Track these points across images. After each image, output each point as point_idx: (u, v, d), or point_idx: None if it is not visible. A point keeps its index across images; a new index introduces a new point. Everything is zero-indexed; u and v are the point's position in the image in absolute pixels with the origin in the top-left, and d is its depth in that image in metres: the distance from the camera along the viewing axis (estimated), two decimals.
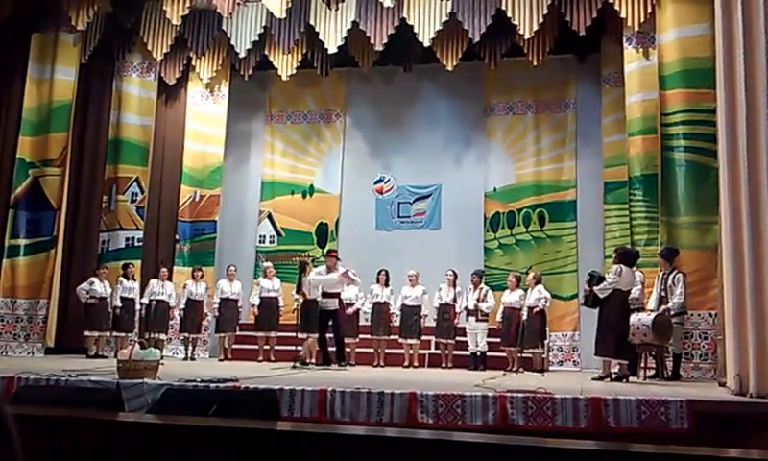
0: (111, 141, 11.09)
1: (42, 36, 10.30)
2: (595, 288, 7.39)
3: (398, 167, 11.92)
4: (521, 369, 9.13)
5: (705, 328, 8.02)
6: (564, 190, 11.12)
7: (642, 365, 7.77)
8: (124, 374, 5.82)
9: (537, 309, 9.21)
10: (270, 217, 12.13)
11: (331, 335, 9.05)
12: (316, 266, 10.52)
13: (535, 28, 9.28)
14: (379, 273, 10.09)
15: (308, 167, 12.19)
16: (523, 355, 9.36)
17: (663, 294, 7.91)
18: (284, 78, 11.03)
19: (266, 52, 10.88)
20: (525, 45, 9.98)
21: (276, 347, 10.02)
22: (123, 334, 9.89)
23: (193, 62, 11.24)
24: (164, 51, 10.55)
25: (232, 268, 10.50)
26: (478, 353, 9.50)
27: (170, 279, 10.55)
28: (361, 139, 12.18)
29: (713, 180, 7.26)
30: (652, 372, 7.82)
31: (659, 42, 8.88)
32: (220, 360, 10.05)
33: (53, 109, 10.20)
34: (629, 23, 9.00)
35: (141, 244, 10.99)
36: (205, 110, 11.78)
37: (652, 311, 7.75)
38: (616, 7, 8.96)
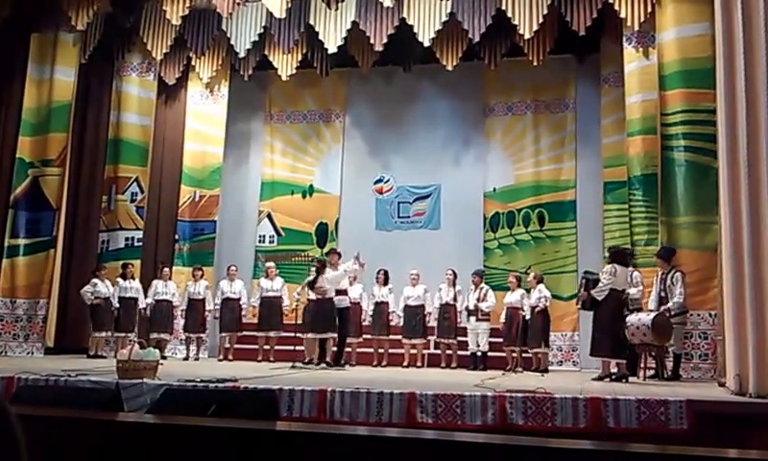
0: (111, 141, 11.09)
1: (42, 37, 10.30)
2: (593, 292, 7.39)
3: (398, 167, 11.92)
4: (520, 369, 9.13)
5: (704, 328, 8.02)
6: (564, 190, 11.12)
7: (642, 365, 7.76)
8: (123, 374, 5.82)
9: (538, 309, 9.22)
10: (269, 217, 12.13)
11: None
12: (314, 266, 10.54)
13: (535, 28, 9.27)
14: (378, 273, 10.10)
15: (308, 167, 12.19)
16: (525, 355, 9.37)
17: (663, 294, 7.91)
18: (284, 78, 11.02)
19: (266, 52, 10.87)
20: (525, 45, 9.98)
21: (276, 347, 10.02)
22: (122, 334, 9.89)
23: (193, 62, 11.24)
24: (164, 51, 10.55)
25: (233, 268, 10.50)
26: (478, 353, 9.51)
27: (171, 279, 10.54)
28: (361, 139, 12.18)
29: (713, 180, 7.25)
30: (652, 372, 7.81)
31: (658, 42, 8.88)
32: (219, 360, 10.05)
33: (52, 109, 10.19)
34: (629, 23, 8.99)
35: (141, 244, 10.99)
36: (205, 110, 11.78)
37: (651, 311, 7.75)
38: (616, 7, 8.96)
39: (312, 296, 9.84)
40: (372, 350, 10.01)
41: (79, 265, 10.53)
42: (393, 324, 10.07)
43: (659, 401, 5.04)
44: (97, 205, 10.94)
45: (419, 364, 9.80)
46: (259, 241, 12.06)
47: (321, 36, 10.13)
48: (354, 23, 9.88)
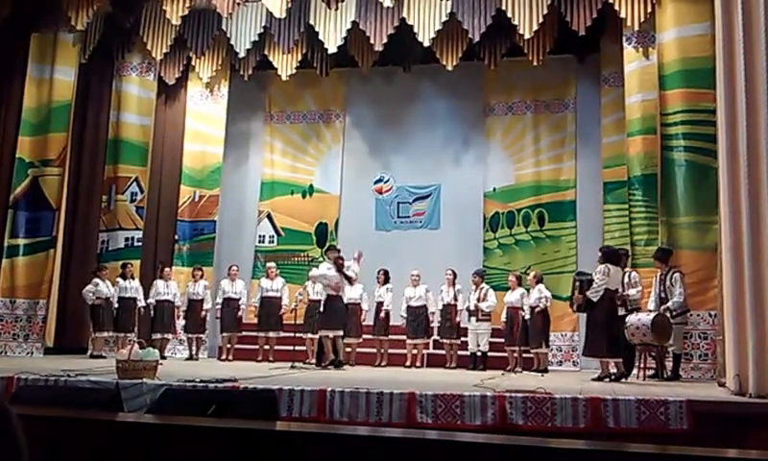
0: (111, 141, 11.09)
1: (42, 37, 10.30)
2: (588, 293, 7.38)
3: (398, 167, 11.92)
4: (520, 369, 9.13)
5: (704, 329, 8.01)
6: (564, 190, 11.12)
7: (642, 365, 7.77)
8: (123, 374, 5.82)
9: (538, 309, 9.21)
10: (269, 217, 12.12)
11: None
12: (314, 266, 10.53)
13: (535, 28, 9.27)
14: (378, 272, 10.10)
15: (308, 167, 12.19)
16: (525, 355, 9.37)
17: (663, 294, 7.91)
18: (284, 78, 11.02)
19: (266, 52, 10.87)
20: (525, 45, 9.98)
21: (276, 347, 10.02)
22: (122, 334, 9.89)
23: (193, 62, 11.24)
24: (164, 51, 10.54)
25: (234, 268, 10.50)
26: (478, 353, 9.51)
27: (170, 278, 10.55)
28: (360, 139, 12.18)
29: (713, 180, 7.25)
30: (651, 372, 7.81)
31: (658, 42, 8.87)
32: (220, 360, 10.05)
33: (52, 109, 10.19)
34: (629, 23, 8.99)
35: (140, 244, 10.99)
36: (205, 110, 11.77)
37: (651, 311, 7.75)
38: (616, 7, 8.95)
39: (313, 296, 9.86)
40: (373, 350, 10.01)
41: (78, 265, 10.53)
42: (391, 323, 10.06)
43: (658, 402, 5.04)
44: (97, 205, 10.94)
45: (417, 364, 9.80)
46: (259, 241, 12.06)
47: (321, 36, 10.13)
48: (354, 23, 9.88)
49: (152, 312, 10.18)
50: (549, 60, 10.44)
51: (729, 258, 5.81)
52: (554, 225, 11.06)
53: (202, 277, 10.40)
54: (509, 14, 9.24)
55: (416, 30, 9.66)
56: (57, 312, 10.21)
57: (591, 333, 7.45)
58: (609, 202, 10.09)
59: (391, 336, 10.02)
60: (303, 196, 12.12)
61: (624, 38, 9.42)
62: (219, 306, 10.20)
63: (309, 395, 5.31)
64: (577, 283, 7.75)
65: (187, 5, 9.67)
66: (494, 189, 11.41)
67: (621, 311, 7.82)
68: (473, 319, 9.59)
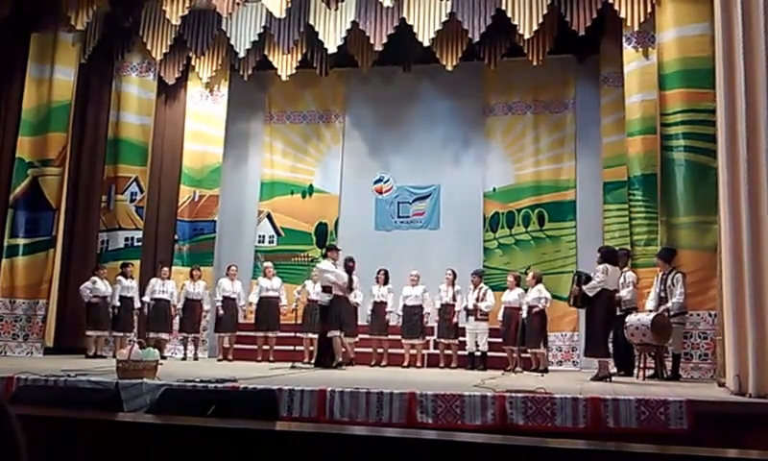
0: (111, 141, 11.09)
1: (42, 36, 10.30)
2: (584, 287, 7.39)
3: (398, 167, 11.92)
4: (520, 369, 9.13)
5: (704, 329, 8.01)
6: (564, 190, 11.12)
7: (642, 365, 7.77)
8: (123, 374, 5.82)
9: (536, 309, 9.20)
10: (269, 217, 12.12)
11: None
12: (314, 266, 10.52)
13: (534, 28, 9.27)
14: (378, 272, 10.09)
15: (308, 167, 12.19)
16: (524, 355, 9.37)
17: (663, 294, 7.91)
18: (284, 78, 11.02)
19: (265, 52, 10.87)
20: (525, 45, 9.98)
21: (276, 347, 10.02)
22: (121, 334, 9.89)
23: (192, 62, 11.24)
24: (164, 51, 10.55)
25: (233, 267, 10.50)
26: (478, 353, 9.51)
27: (170, 278, 10.54)
28: (360, 139, 12.18)
29: (713, 179, 7.25)
30: (651, 372, 7.81)
31: (658, 42, 8.87)
32: (219, 360, 10.05)
33: (52, 109, 10.19)
34: (628, 23, 9.00)
35: (140, 244, 10.98)
36: (205, 110, 11.77)
37: (651, 311, 7.75)
38: (616, 7, 8.96)
39: (313, 296, 9.86)
40: (371, 350, 10.00)
41: (78, 265, 10.53)
42: (391, 324, 10.06)
43: (658, 402, 5.04)
44: (96, 204, 10.93)
45: (418, 364, 9.80)
46: (259, 241, 12.06)
47: (320, 36, 10.13)
48: (354, 23, 9.88)
49: (146, 311, 10.15)
50: (549, 61, 10.44)
51: (728, 258, 5.81)
52: (554, 225, 11.07)
53: (200, 277, 10.39)
54: (509, 14, 9.24)
55: (415, 30, 9.66)
56: (56, 312, 10.21)
57: (590, 333, 7.46)
58: (609, 202, 10.09)
59: (390, 336, 10.00)
60: (303, 196, 12.12)
61: (624, 38, 9.42)
62: (219, 303, 10.17)
63: (309, 395, 5.31)
64: (575, 277, 7.78)
65: (187, 5, 9.67)
66: (494, 189, 11.41)
67: (617, 312, 7.85)
68: (472, 318, 9.59)
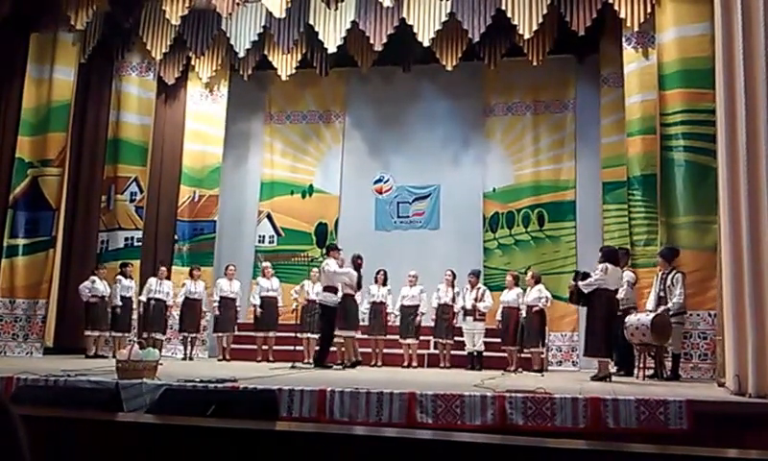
0: (110, 141, 11.08)
1: (41, 36, 10.29)
2: (580, 283, 7.40)
3: (398, 167, 11.92)
4: (520, 369, 9.13)
5: (704, 329, 8.02)
6: (564, 190, 11.12)
7: (641, 365, 7.77)
8: (123, 374, 5.82)
9: (536, 308, 9.20)
10: (269, 217, 12.12)
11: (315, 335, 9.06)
12: (314, 266, 10.54)
13: (534, 28, 9.27)
14: (377, 273, 10.09)
15: (308, 167, 12.19)
16: (523, 355, 9.37)
17: (662, 294, 7.91)
18: (284, 78, 11.02)
19: (265, 52, 10.87)
20: (525, 45, 9.99)
21: (275, 347, 10.01)
22: (121, 334, 9.88)
23: (192, 62, 11.24)
24: (163, 51, 10.55)
25: (231, 267, 10.49)
26: (475, 353, 9.51)
27: (168, 278, 10.54)
28: (360, 139, 12.18)
29: (712, 180, 7.25)
30: (651, 372, 7.81)
31: (658, 42, 8.88)
32: (219, 360, 10.04)
33: (52, 109, 10.19)
34: (628, 23, 9.00)
35: (140, 244, 10.98)
36: (205, 110, 11.77)
37: (651, 311, 7.75)
38: (616, 7, 8.96)
39: (312, 296, 9.86)
40: (370, 350, 9.99)
41: (78, 265, 10.52)
42: (390, 323, 10.06)
43: (658, 402, 5.04)
44: (96, 204, 10.93)
45: (414, 364, 9.77)
46: (259, 241, 12.06)
47: (320, 36, 10.12)
48: (354, 23, 9.88)
49: (141, 310, 10.14)
50: (549, 61, 10.44)
51: (728, 258, 5.81)
52: (553, 225, 11.07)
53: (200, 276, 10.39)
54: (509, 14, 9.25)
55: (415, 30, 9.66)
56: (56, 312, 10.20)
57: (590, 333, 7.46)
58: (608, 202, 10.09)
59: (389, 336, 10.00)
60: (303, 196, 12.12)
61: (624, 39, 9.43)
62: (217, 304, 10.18)
63: (309, 395, 5.31)
64: (574, 274, 7.80)
65: (187, 5, 9.67)
66: (494, 189, 11.41)
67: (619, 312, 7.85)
68: (470, 318, 9.59)
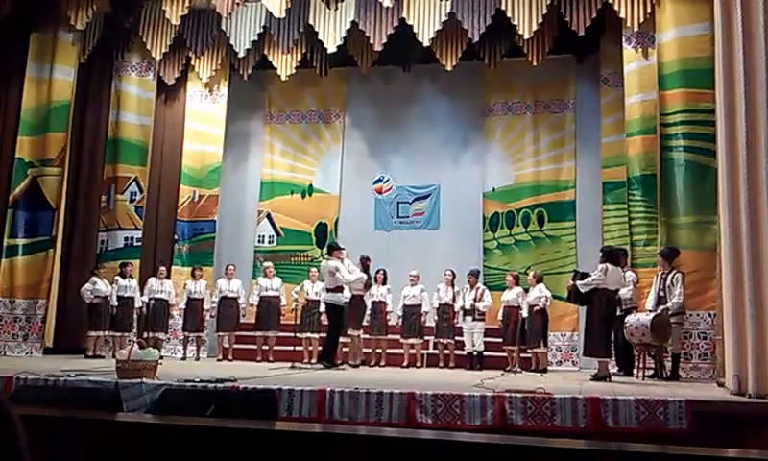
0: (110, 141, 11.09)
1: (41, 36, 10.29)
2: (578, 283, 7.40)
3: (397, 167, 11.92)
4: (519, 369, 9.13)
5: (703, 329, 8.02)
6: (563, 190, 11.12)
7: (641, 365, 7.77)
8: (123, 374, 5.81)
9: (537, 308, 9.20)
10: (269, 217, 12.12)
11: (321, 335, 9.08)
12: (313, 266, 10.55)
13: (534, 28, 9.28)
14: (377, 272, 10.09)
15: (307, 167, 12.19)
16: (523, 355, 9.37)
17: (662, 294, 7.91)
18: (283, 78, 11.02)
19: (265, 52, 10.87)
20: (525, 45, 9.99)
21: (275, 347, 10.01)
22: (120, 334, 9.88)
23: (192, 62, 11.23)
24: (163, 51, 10.55)
25: (231, 267, 10.49)
26: (475, 353, 9.51)
27: (168, 277, 10.54)
28: (360, 139, 12.18)
29: (712, 180, 7.25)
30: (651, 372, 7.82)
31: (658, 42, 8.88)
32: (219, 360, 10.04)
33: (51, 109, 10.19)
34: (628, 23, 9.01)
35: (140, 244, 10.98)
36: (204, 110, 11.76)
37: (650, 311, 7.75)
38: (616, 7, 8.97)
39: (312, 296, 9.88)
40: (370, 349, 10.00)
41: (78, 265, 10.53)
42: (391, 323, 10.06)
43: (658, 401, 5.04)
44: (96, 204, 10.93)
45: (418, 364, 9.79)
46: (258, 241, 12.06)
47: (320, 36, 10.13)
48: (354, 23, 9.88)
49: (143, 310, 10.14)
50: (549, 61, 10.45)
51: (728, 258, 5.81)
52: (553, 225, 11.07)
53: (202, 276, 10.39)
54: (508, 14, 9.25)
55: (415, 30, 9.66)
56: (56, 312, 10.20)
57: (590, 333, 7.46)
58: (608, 202, 10.08)
59: (390, 336, 10.01)
60: (303, 196, 12.12)
61: (623, 39, 9.43)
62: (215, 305, 10.18)
63: (309, 395, 5.31)
64: (573, 273, 7.81)
65: (187, 5, 9.68)
66: (494, 189, 11.42)
67: (617, 312, 7.85)
68: (469, 318, 9.60)
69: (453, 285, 9.86)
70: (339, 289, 8.80)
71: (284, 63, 10.88)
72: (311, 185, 12.12)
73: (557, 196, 11.12)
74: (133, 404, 5.17)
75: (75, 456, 2.17)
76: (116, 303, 9.92)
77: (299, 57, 10.86)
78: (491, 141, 11.60)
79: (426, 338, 10.03)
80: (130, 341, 8.99)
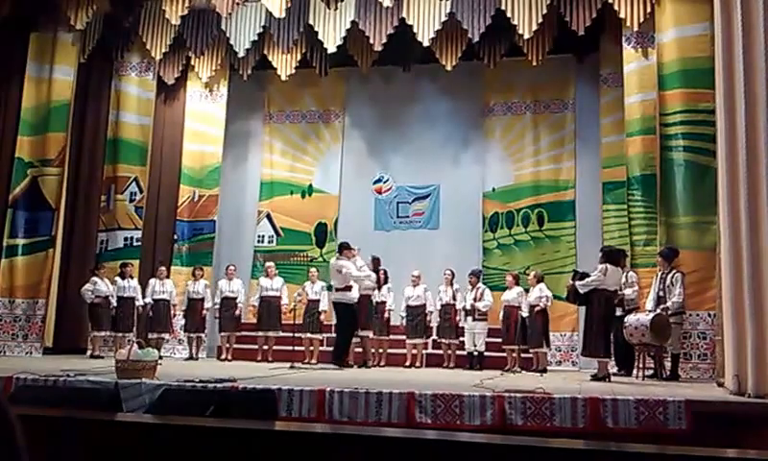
0: (110, 141, 11.08)
1: (41, 36, 10.30)
2: (577, 283, 7.40)
3: (397, 167, 11.92)
4: (519, 369, 9.13)
5: (703, 329, 8.02)
6: (563, 190, 11.12)
7: (641, 365, 7.77)
8: (122, 374, 5.81)
9: (538, 308, 9.20)
10: (269, 217, 12.12)
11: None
12: (313, 266, 10.55)
13: (534, 28, 9.28)
14: (377, 273, 10.08)
15: (307, 167, 12.19)
16: (524, 355, 9.36)
17: (662, 294, 7.91)
18: (283, 78, 11.02)
19: (265, 52, 10.87)
20: (524, 45, 9.99)
21: (275, 347, 10.01)
22: (121, 334, 9.87)
23: (192, 62, 11.23)
24: (163, 50, 10.54)
25: (231, 267, 10.49)
26: (475, 353, 9.51)
27: (168, 277, 10.52)
28: (360, 139, 12.17)
29: (712, 180, 7.25)
30: (650, 372, 7.82)
31: (658, 42, 8.88)
32: (220, 360, 10.04)
33: (51, 109, 10.19)
34: (628, 23, 9.01)
35: (140, 244, 10.97)
36: (204, 110, 11.76)
37: (650, 311, 7.76)
38: (615, 7, 8.97)
39: (312, 296, 9.88)
40: (373, 349, 9.99)
41: (77, 265, 10.53)
42: (392, 323, 10.06)
43: (657, 402, 5.04)
44: (96, 204, 10.93)
45: (417, 364, 9.79)
46: (258, 241, 12.05)
47: (320, 36, 10.13)
48: (354, 23, 9.88)
49: (148, 311, 10.15)
50: (548, 60, 10.44)
51: (727, 258, 5.81)
52: (553, 225, 11.07)
53: (202, 276, 10.39)
54: (508, 14, 9.25)
55: (415, 30, 9.66)
56: (56, 312, 10.21)
57: (589, 333, 7.45)
58: (608, 202, 10.08)
59: (391, 336, 10.00)
60: (303, 196, 12.12)
61: (623, 38, 9.43)
62: (218, 306, 10.19)
63: (309, 395, 5.31)
64: (572, 273, 7.81)
65: (186, 5, 9.68)
66: (494, 189, 11.41)
67: (618, 312, 7.85)
68: (470, 318, 9.59)
69: (452, 285, 9.86)
70: (348, 288, 8.85)
71: (284, 63, 10.88)
72: (311, 185, 12.12)
73: (557, 196, 11.12)
74: (133, 404, 5.17)
75: (74, 456, 2.17)
76: (115, 304, 9.91)
77: (298, 57, 10.85)
78: (490, 141, 11.60)
79: (431, 338, 10.05)
80: (129, 341, 8.99)
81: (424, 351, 10.05)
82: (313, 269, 10.48)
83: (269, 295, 10.18)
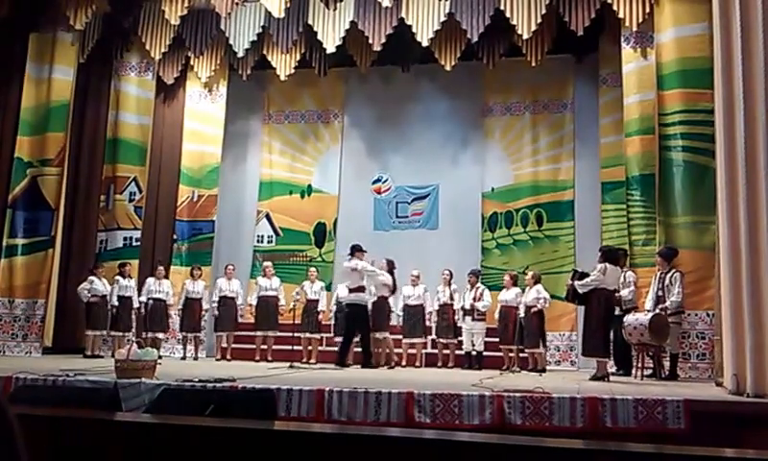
0: (109, 141, 11.09)
1: (40, 36, 10.30)
2: (576, 283, 7.40)
3: (396, 167, 11.92)
4: (518, 368, 9.13)
5: (702, 328, 8.03)
6: (562, 190, 11.12)
7: (639, 365, 7.77)
8: (121, 373, 5.82)
9: (535, 309, 9.19)
10: (268, 217, 12.12)
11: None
12: (312, 266, 10.55)
13: (533, 28, 9.29)
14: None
15: (306, 167, 12.19)
16: (522, 355, 9.37)
17: (660, 294, 7.92)
18: (282, 78, 11.02)
19: (264, 52, 10.88)
20: (523, 45, 10.00)
21: (274, 347, 10.01)
22: (120, 334, 9.87)
23: (191, 62, 11.23)
24: (162, 50, 10.55)
25: (230, 266, 10.49)
26: (473, 353, 9.51)
27: (167, 277, 10.53)
28: (359, 139, 12.18)
29: (711, 180, 7.26)
30: (649, 371, 7.82)
31: (657, 42, 8.89)
32: (217, 359, 10.05)
33: (51, 109, 10.19)
34: (627, 23, 9.02)
35: (139, 244, 10.98)
36: (203, 110, 11.76)
37: (649, 311, 7.76)
38: (614, 7, 8.98)
39: (311, 296, 9.88)
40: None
41: (77, 265, 10.53)
42: (392, 323, 10.06)
43: (656, 401, 5.05)
44: (95, 204, 10.93)
45: (417, 364, 9.80)
46: (257, 241, 12.05)
47: (319, 36, 10.13)
48: (353, 23, 9.89)
49: (141, 310, 10.14)
50: (547, 61, 10.45)
51: (726, 258, 5.82)
52: (552, 225, 11.07)
53: (201, 275, 10.38)
54: (507, 14, 9.26)
55: (414, 30, 9.67)
56: (55, 312, 10.21)
57: (588, 333, 7.46)
58: (607, 202, 10.09)
59: (391, 336, 9.99)
60: (302, 196, 12.12)
61: (622, 39, 9.44)
62: (215, 304, 10.19)
63: (308, 394, 5.31)
64: (572, 272, 7.83)
65: (186, 5, 9.68)
66: (493, 189, 11.42)
67: (617, 311, 7.85)
68: (468, 318, 9.60)
69: (450, 285, 9.86)
70: (361, 288, 8.91)
71: (283, 63, 10.89)
72: (310, 185, 12.12)
73: (556, 196, 11.13)
74: (132, 404, 5.17)
75: (73, 456, 2.18)
76: (116, 304, 9.91)
77: (298, 57, 10.86)
78: (489, 141, 11.60)
79: (428, 338, 10.04)
80: (129, 341, 8.99)
81: (423, 351, 10.05)
82: (312, 269, 10.49)
83: (267, 295, 10.19)
